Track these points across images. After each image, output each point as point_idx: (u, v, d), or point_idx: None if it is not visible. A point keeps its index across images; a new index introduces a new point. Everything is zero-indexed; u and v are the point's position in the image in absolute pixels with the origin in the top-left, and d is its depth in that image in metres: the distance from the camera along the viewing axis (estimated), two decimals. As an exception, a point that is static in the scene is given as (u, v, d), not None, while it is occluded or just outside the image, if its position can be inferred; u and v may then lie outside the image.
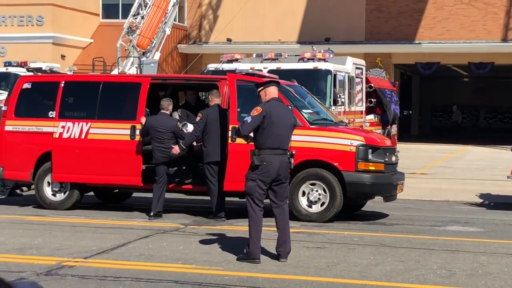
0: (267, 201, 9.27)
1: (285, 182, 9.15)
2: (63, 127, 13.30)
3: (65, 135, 13.25)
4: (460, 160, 26.79)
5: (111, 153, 13.02)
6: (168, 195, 14.47)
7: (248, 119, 9.06)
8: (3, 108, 14.34)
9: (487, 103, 49.81)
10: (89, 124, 13.21)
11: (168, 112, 12.87)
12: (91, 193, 14.54)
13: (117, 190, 14.49)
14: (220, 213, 12.45)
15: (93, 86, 13.70)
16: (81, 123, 13.25)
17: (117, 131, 13.05)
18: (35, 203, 13.83)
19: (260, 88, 9.35)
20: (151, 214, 12.59)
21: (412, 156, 25.72)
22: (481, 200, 15.94)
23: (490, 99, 48.94)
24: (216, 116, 12.31)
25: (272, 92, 9.30)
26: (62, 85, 13.64)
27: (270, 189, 9.11)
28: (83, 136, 13.20)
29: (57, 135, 13.30)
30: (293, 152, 9.41)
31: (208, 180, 12.33)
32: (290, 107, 10.27)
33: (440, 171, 22.30)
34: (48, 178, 13.55)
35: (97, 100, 13.35)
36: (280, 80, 13.33)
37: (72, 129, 13.23)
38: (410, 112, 44.27)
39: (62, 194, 13.53)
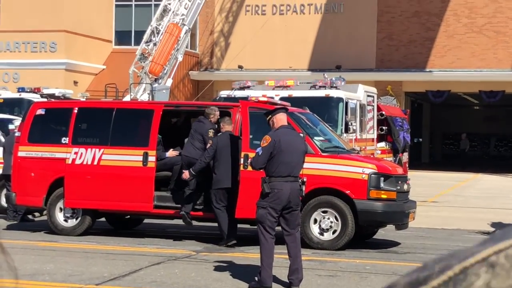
0: (278, 228, 9.28)
1: (296, 210, 9.16)
2: (76, 153, 13.36)
3: (77, 161, 13.31)
4: (471, 188, 26.70)
5: (123, 179, 13.06)
6: (179, 222, 14.50)
7: (260, 151, 9.10)
8: (16, 134, 14.43)
9: (497, 131, 49.75)
10: (102, 150, 13.27)
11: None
12: (103, 219, 14.56)
13: (128, 216, 14.51)
14: (231, 240, 12.44)
15: (106, 113, 13.79)
16: (94, 149, 13.31)
17: (129, 157, 13.10)
18: (47, 228, 13.86)
19: (269, 117, 9.40)
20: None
21: (423, 184, 25.67)
22: (493, 229, 15.86)
23: (501, 127, 48.89)
24: (227, 143, 12.34)
25: (280, 119, 9.35)
26: (76, 111, 13.73)
27: (282, 217, 9.11)
28: (95, 162, 13.26)
29: (69, 161, 13.36)
30: (305, 180, 9.43)
31: (214, 206, 12.34)
32: (301, 134, 10.28)
33: (451, 199, 22.23)
34: (60, 204, 13.58)
35: (110, 126, 13.43)
36: (292, 108, 13.43)
37: (85, 155, 13.29)
38: (421, 139, 44.24)
39: (74, 220, 13.56)
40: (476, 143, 51.17)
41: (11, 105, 21.93)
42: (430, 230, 15.66)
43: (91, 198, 13.19)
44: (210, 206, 12.83)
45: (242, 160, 12.17)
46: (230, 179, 12.29)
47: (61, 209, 13.58)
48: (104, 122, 13.59)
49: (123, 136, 13.48)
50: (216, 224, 13.15)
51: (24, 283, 9.28)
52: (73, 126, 13.52)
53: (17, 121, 16.61)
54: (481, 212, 18.93)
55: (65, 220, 13.59)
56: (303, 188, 9.35)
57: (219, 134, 12.54)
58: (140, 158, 12.97)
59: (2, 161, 15.94)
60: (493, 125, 48.78)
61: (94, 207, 13.38)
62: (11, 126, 17.23)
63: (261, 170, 9.37)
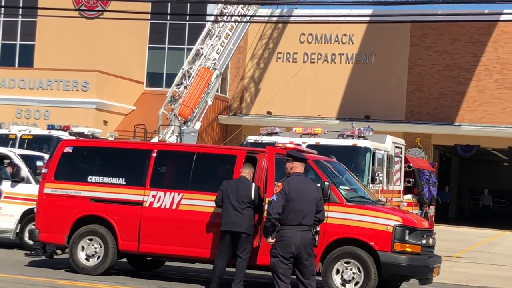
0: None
1: (309, 260, 9.03)
2: (154, 196, 13.15)
3: (155, 205, 13.11)
4: (498, 245, 26.30)
5: (202, 225, 12.83)
6: (199, 265, 14.41)
7: (274, 197, 9.07)
8: (43, 171, 14.50)
9: (526, 188, 49.10)
10: (181, 194, 13.07)
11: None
12: (124, 260, 14.50)
13: (150, 258, 14.43)
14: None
15: (187, 156, 13.66)
16: (172, 193, 13.08)
17: (209, 203, 12.76)
18: (68, 267, 13.82)
19: (289, 159, 9.39)
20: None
21: (449, 239, 25.34)
22: (519, 288, 15.57)
23: (530, 184, 48.22)
24: (234, 187, 12.26)
25: (297, 167, 9.36)
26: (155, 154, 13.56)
27: (296, 267, 9.01)
28: (174, 207, 13.08)
29: (147, 204, 13.18)
30: (318, 229, 9.31)
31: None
32: (314, 182, 10.14)
33: (477, 256, 21.89)
34: (82, 243, 13.55)
35: (190, 170, 13.30)
36: (318, 156, 13.38)
37: (163, 199, 13.12)
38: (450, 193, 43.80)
39: (96, 259, 13.51)
40: (504, 199, 50.49)
41: (40, 142, 22.09)
42: (454, 286, 15.39)
43: (168, 243, 13.01)
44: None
45: (266, 207, 12.07)
46: (231, 223, 12.15)
47: (83, 247, 13.54)
48: (185, 166, 13.47)
49: (203, 181, 13.39)
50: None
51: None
52: (152, 169, 13.38)
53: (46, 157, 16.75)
54: (507, 270, 18.60)
55: (87, 259, 13.54)
56: (317, 237, 9.25)
57: (230, 180, 12.47)
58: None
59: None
60: (522, 182, 48.15)
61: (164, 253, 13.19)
62: (39, 163, 17.37)
63: (269, 242, 9.24)
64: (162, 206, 13.10)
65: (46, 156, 16.71)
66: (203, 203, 12.87)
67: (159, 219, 13.08)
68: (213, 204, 12.63)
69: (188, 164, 13.41)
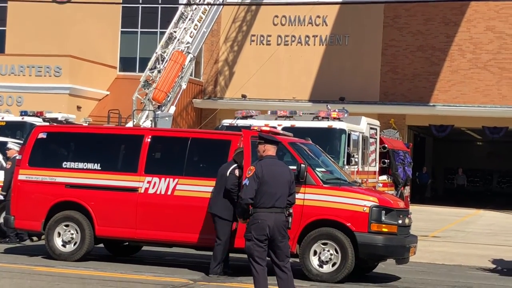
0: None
1: (283, 242, 9.06)
2: (148, 182, 13.10)
3: (150, 191, 13.04)
4: (473, 224, 26.56)
5: (197, 210, 12.82)
6: (177, 250, 14.40)
7: (246, 181, 9.08)
8: (17, 157, 14.38)
9: (500, 167, 49.62)
10: (176, 180, 13.07)
11: None
12: (101, 245, 14.44)
13: (127, 243, 14.38)
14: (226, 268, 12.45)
15: (180, 142, 13.59)
16: (167, 179, 13.09)
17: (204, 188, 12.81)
18: (44, 253, 13.75)
19: (261, 142, 9.38)
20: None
21: (425, 219, 25.54)
22: (494, 266, 15.73)
23: (504, 163, 48.74)
24: (223, 172, 12.29)
25: (269, 149, 9.35)
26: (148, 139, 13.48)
27: (270, 249, 9.04)
28: (169, 193, 13.04)
29: (142, 190, 13.08)
30: (291, 211, 9.33)
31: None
32: (287, 165, 10.13)
33: (453, 235, 22.09)
34: (58, 229, 13.47)
35: (185, 156, 13.26)
36: (294, 138, 13.39)
37: (158, 185, 13.04)
38: (417, 174, 44.04)
39: (72, 245, 13.44)
40: (479, 178, 51.01)
41: (13, 129, 21.91)
42: (430, 265, 15.53)
43: (163, 229, 12.93)
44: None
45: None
46: (219, 206, 12.20)
47: (59, 234, 13.46)
48: (179, 151, 13.39)
49: (197, 167, 13.35)
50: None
51: (19, 308, 9.18)
52: (146, 155, 13.26)
53: (12, 144, 16.62)
54: (482, 249, 18.79)
55: (63, 245, 13.48)
56: (290, 220, 9.26)
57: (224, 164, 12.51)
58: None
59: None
60: (496, 161, 48.67)
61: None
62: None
63: (245, 221, 9.25)
64: (158, 192, 13.01)
65: (19, 143, 16.57)
66: (198, 188, 12.82)
67: (154, 205, 13.00)
68: (206, 189, 12.60)
69: (182, 150, 13.32)
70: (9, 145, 16.57)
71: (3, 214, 16.39)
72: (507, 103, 33.63)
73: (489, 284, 13.28)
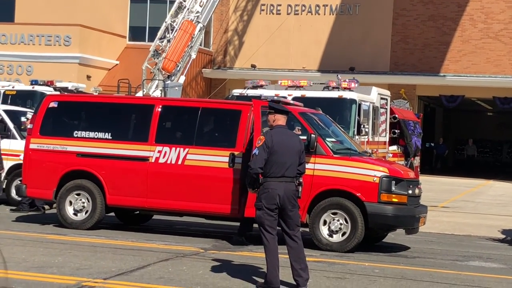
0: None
1: (293, 211, 9.09)
2: (159, 151, 13.10)
3: (161, 160, 13.05)
4: (483, 195, 26.57)
5: (207, 180, 12.88)
6: (187, 219, 14.49)
7: (256, 151, 9.08)
8: (28, 126, 14.43)
9: (510, 138, 49.46)
10: (186, 150, 13.06)
11: None
12: (112, 214, 14.54)
13: (138, 212, 14.47)
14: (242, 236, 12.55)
15: (191, 112, 13.61)
16: (178, 149, 13.07)
17: (215, 158, 12.83)
18: (56, 221, 13.86)
19: (271, 111, 9.37)
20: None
21: (435, 189, 25.56)
22: (503, 236, 15.77)
23: (514, 134, 48.58)
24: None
25: (279, 119, 9.33)
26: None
27: (281, 218, 9.08)
28: (180, 162, 13.06)
29: (153, 160, 13.12)
30: (301, 181, 9.34)
31: None
32: (297, 134, 10.11)
33: (462, 205, 22.12)
34: (70, 198, 13.56)
35: (195, 126, 13.25)
36: (304, 108, 13.38)
37: (169, 154, 13.06)
38: (433, 144, 44.06)
39: (84, 213, 13.54)
40: (489, 149, 50.87)
41: (23, 98, 21.95)
42: (440, 236, 15.58)
43: (173, 198, 12.98)
44: None
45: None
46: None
47: (70, 202, 13.56)
48: (189, 121, 13.38)
49: (208, 136, 13.35)
50: (225, 222, 13.13)
51: (32, 275, 9.28)
52: (156, 124, 13.26)
53: (30, 114, 16.65)
54: (491, 219, 18.83)
55: (75, 214, 13.58)
56: (300, 189, 9.27)
57: None
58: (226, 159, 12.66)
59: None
60: (506, 131, 48.48)
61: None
62: (23, 119, 17.27)
63: (255, 191, 9.26)
64: (168, 162, 13.02)
65: (31, 112, 16.62)
66: (208, 158, 12.82)
67: (164, 175, 13.03)
68: (216, 159, 12.63)
69: (192, 119, 13.29)
70: (28, 115, 16.64)
71: (15, 183, 16.55)
72: (519, 74, 33.43)
73: (498, 253, 13.33)
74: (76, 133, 13.71)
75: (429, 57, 34.50)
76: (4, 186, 16.22)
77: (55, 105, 14.09)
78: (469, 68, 34.00)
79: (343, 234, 12.29)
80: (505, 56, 33.64)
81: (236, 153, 12.56)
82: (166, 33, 26.57)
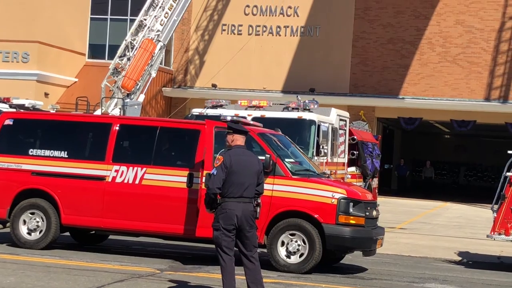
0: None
1: (251, 232, 9.03)
2: (116, 171, 12.98)
3: (118, 180, 12.90)
4: (440, 217, 26.77)
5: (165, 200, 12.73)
6: (144, 239, 14.32)
7: (214, 171, 9.01)
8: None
9: (467, 160, 50.10)
10: (144, 169, 12.94)
11: None
12: (67, 234, 14.31)
13: (93, 232, 14.26)
14: None
15: (149, 131, 13.47)
16: (135, 168, 12.94)
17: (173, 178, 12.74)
18: (9, 241, 13.59)
19: (229, 132, 9.33)
20: None
21: (392, 211, 25.69)
22: (459, 258, 15.86)
23: (471, 156, 49.24)
24: None
25: (237, 139, 9.29)
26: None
27: (238, 239, 9.01)
28: (137, 182, 12.93)
29: (110, 179, 13.00)
30: (259, 201, 9.29)
31: None
32: (255, 155, 10.09)
33: (419, 227, 22.24)
34: (24, 217, 13.32)
35: (153, 145, 13.13)
36: (263, 129, 13.35)
37: (126, 174, 12.91)
38: (391, 166, 44.42)
39: (38, 233, 13.30)
40: (446, 171, 51.43)
41: (-21, 114, 21.56)
42: (397, 257, 15.61)
43: (130, 218, 12.81)
44: None
45: (204, 179, 11.96)
46: None
47: (24, 221, 13.31)
48: (147, 140, 13.23)
49: (166, 156, 13.20)
50: (181, 243, 12.98)
51: (-18, 297, 9.05)
52: (114, 143, 13.10)
53: None
54: (448, 241, 18.95)
55: (29, 233, 13.33)
56: (258, 210, 9.22)
57: None
58: (184, 179, 12.55)
59: None
60: (463, 154, 49.13)
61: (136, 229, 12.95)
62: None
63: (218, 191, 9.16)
64: (125, 181, 12.88)
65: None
66: (166, 178, 12.70)
67: (121, 194, 12.88)
68: (174, 179, 12.52)
69: (150, 139, 13.18)
70: None
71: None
72: (475, 97, 33.91)
73: (454, 276, 13.39)
74: (31, 151, 13.51)
75: (388, 80, 34.84)
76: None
77: (11, 123, 13.88)
78: (427, 91, 34.40)
79: (300, 256, 12.25)
80: (462, 80, 34.12)
81: (194, 173, 12.47)
82: (126, 51, 26.39)
